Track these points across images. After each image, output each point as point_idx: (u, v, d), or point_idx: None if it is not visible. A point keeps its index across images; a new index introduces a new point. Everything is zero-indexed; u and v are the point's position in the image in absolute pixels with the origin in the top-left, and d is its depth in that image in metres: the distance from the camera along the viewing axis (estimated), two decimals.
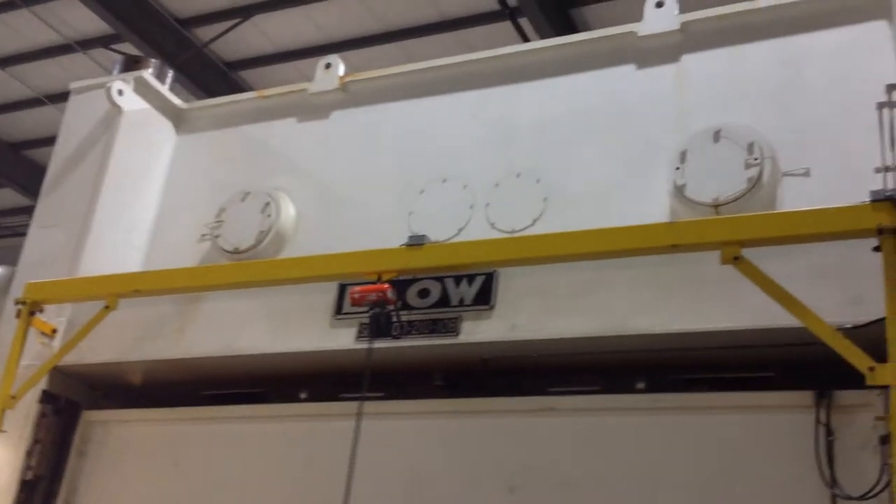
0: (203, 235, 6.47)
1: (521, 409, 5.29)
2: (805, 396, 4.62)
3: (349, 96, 6.65)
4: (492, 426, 5.28)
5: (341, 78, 6.68)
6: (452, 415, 5.43)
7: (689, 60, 5.71)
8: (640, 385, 5.28)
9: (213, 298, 6.08)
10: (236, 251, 6.21)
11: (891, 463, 3.96)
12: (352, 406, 4.85)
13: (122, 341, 6.20)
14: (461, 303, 5.41)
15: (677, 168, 5.24)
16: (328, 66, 6.77)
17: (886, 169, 4.59)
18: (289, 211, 6.30)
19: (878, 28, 5.20)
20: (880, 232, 4.15)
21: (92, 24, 12.97)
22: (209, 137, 7.13)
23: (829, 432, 4.46)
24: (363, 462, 4.87)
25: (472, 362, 5.51)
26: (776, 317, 4.42)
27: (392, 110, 6.46)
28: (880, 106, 4.68)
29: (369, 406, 5.01)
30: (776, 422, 4.68)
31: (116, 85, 6.91)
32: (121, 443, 6.28)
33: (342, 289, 5.62)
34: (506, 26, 11.69)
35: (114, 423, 6.38)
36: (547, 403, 5.23)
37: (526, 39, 11.40)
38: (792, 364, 4.94)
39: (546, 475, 5.03)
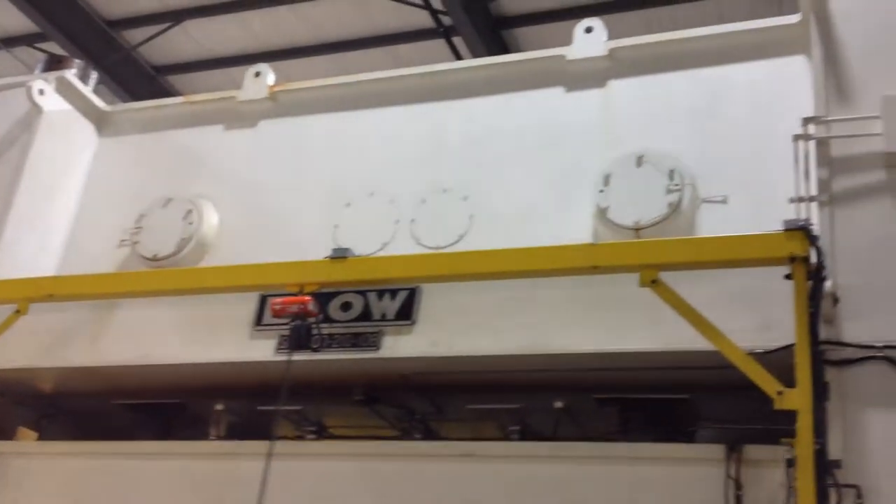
0: (122, 241, 6.34)
1: (440, 453, 5.29)
2: (716, 450, 4.71)
3: (278, 106, 6.60)
4: (409, 470, 5.25)
5: (271, 87, 6.63)
6: (369, 457, 5.40)
7: (616, 86, 5.82)
8: (558, 404, 5.35)
9: (129, 306, 5.96)
10: (155, 258, 6.10)
11: (795, 486, 4.05)
12: (262, 445, 4.74)
13: (33, 347, 6.03)
14: (383, 317, 5.40)
15: (601, 191, 5.33)
16: (258, 74, 6.72)
17: (800, 199, 4.73)
18: (211, 219, 6.22)
19: (797, 62, 5.37)
20: (792, 260, 4.26)
21: (18, 21, 12.64)
22: (132, 141, 6.99)
23: (738, 486, 4.57)
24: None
25: (393, 377, 5.50)
26: (691, 340, 4.50)
27: (321, 122, 6.44)
28: (796, 138, 4.83)
29: (281, 446, 4.92)
30: (688, 474, 4.74)
31: (37, 84, 6.75)
32: (19, 476, 6.01)
33: (263, 300, 5.58)
34: (439, 44, 11.76)
35: (11, 455, 6.14)
36: (466, 449, 5.24)
37: (459, 58, 11.48)
38: (706, 387, 5.06)
39: None
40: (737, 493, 4.55)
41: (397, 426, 5.89)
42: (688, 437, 5.20)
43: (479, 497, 5.03)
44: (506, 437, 5.45)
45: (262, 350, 5.51)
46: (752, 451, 4.63)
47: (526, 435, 5.45)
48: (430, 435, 5.79)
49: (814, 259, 4.27)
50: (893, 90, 4.83)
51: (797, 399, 4.06)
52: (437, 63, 6.73)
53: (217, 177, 6.46)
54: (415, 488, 5.17)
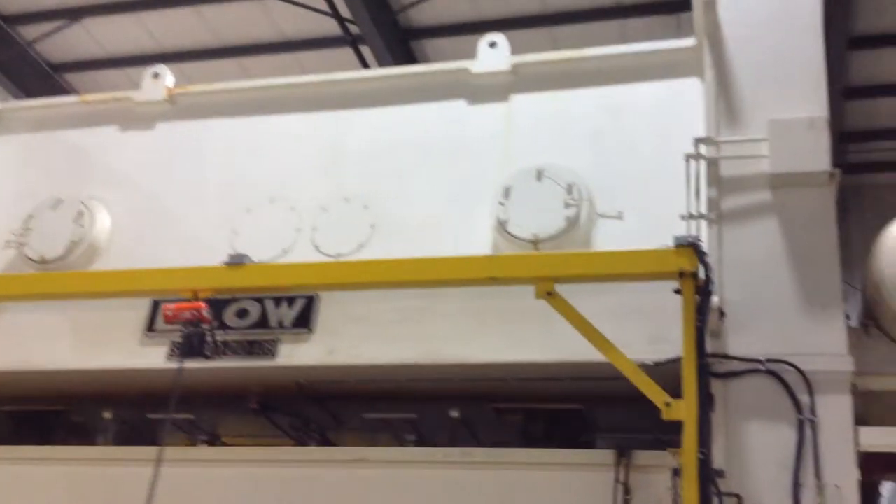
0: (7, 242, 6.09)
1: (334, 459, 5.25)
2: (606, 455, 4.81)
3: (177, 108, 6.47)
4: (302, 476, 5.20)
5: (169, 89, 6.50)
6: (260, 463, 5.31)
7: (518, 100, 5.90)
8: (454, 413, 5.38)
9: (13, 309, 5.74)
10: (43, 261, 5.89)
11: (679, 494, 4.16)
12: (151, 451, 4.62)
13: None
14: (280, 325, 5.34)
15: (501, 203, 5.39)
16: (156, 75, 6.57)
17: (691, 216, 4.89)
18: (104, 221, 6.04)
19: (691, 84, 5.54)
20: (681, 275, 4.39)
21: None
22: (23, 140, 6.75)
23: (627, 491, 4.68)
24: None
25: (289, 386, 5.44)
26: (584, 352, 4.57)
27: (221, 126, 6.34)
28: (688, 157, 4.99)
29: (171, 452, 4.80)
30: (580, 479, 4.82)
31: None
32: None
33: (156, 305, 5.44)
34: (347, 52, 11.70)
35: None
36: (360, 454, 5.22)
37: (366, 67, 11.45)
38: (600, 397, 5.16)
39: None
40: (625, 498, 4.65)
41: (293, 435, 5.83)
42: (584, 446, 5.27)
43: (372, 500, 5.00)
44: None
45: (153, 357, 5.38)
46: (641, 457, 4.74)
47: (422, 445, 5.45)
48: (326, 444, 5.74)
49: (702, 274, 4.41)
50: (780, 114, 5.04)
51: (683, 410, 4.18)
52: (343, 71, 6.70)
53: (111, 178, 6.28)
54: (308, 494, 5.12)
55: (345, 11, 10.96)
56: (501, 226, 5.33)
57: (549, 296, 4.53)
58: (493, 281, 4.67)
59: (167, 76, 6.54)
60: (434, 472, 5.04)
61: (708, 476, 4.20)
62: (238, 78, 10.99)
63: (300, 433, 5.80)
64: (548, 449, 5.06)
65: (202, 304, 4.63)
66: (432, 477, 5.02)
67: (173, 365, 4.96)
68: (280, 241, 5.67)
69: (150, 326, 5.46)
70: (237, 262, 4.83)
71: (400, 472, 5.09)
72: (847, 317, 4.76)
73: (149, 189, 6.19)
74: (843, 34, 9.42)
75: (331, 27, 11.52)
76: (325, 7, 11.02)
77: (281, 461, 5.27)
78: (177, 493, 5.11)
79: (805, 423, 4.42)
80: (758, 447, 4.44)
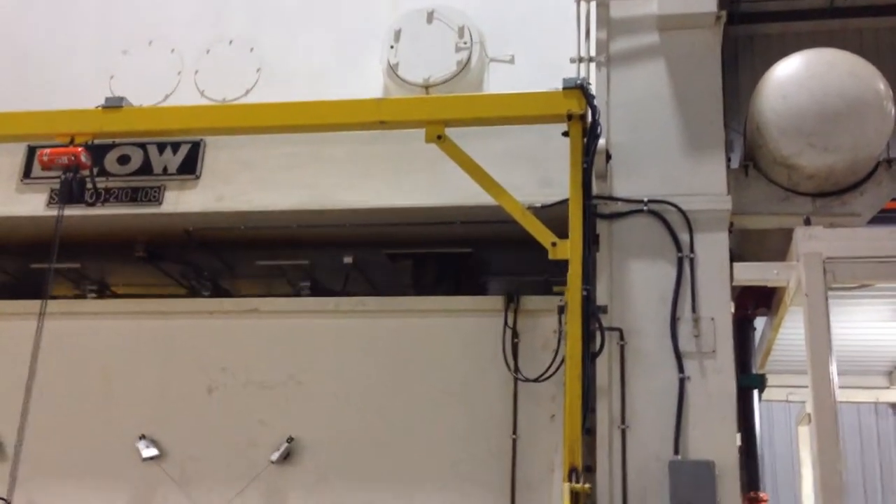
0: None
1: (224, 309, 5.23)
2: (496, 301, 4.93)
3: None
4: (192, 327, 5.18)
5: None
6: (152, 315, 5.26)
7: None
8: (348, 259, 5.40)
9: None
10: None
11: (564, 330, 4.32)
12: (35, 304, 4.49)
13: None
14: (165, 171, 5.20)
15: (391, 47, 5.27)
16: None
17: (580, 59, 4.89)
18: None
19: None
20: (569, 118, 4.41)
21: None
22: None
23: (516, 334, 4.83)
24: (49, 363, 4.62)
25: (176, 233, 5.35)
26: (474, 195, 4.63)
27: None
28: (578, 0, 4.94)
29: (57, 305, 4.75)
30: (470, 324, 4.94)
31: None
32: None
33: (31, 151, 5.23)
34: None
35: None
36: (251, 305, 5.21)
37: None
38: (490, 241, 5.25)
39: (245, 376, 5.03)
40: (514, 341, 4.82)
41: (185, 284, 5.78)
42: (477, 290, 5.39)
43: (265, 353, 5.05)
44: (297, 294, 5.47)
45: (32, 204, 5.21)
46: (529, 301, 4.90)
47: (316, 291, 5.49)
48: (219, 292, 5.72)
49: (590, 117, 4.44)
50: None
51: (569, 249, 4.28)
52: None
53: None
54: (200, 345, 5.13)
55: None
56: (392, 70, 5.23)
57: (439, 139, 4.51)
58: (383, 125, 4.62)
59: None
60: (327, 321, 5.09)
61: (591, 312, 4.38)
62: None
63: (192, 282, 5.76)
64: (438, 296, 5.16)
65: (79, 149, 4.46)
66: (326, 326, 5.07)
67: (53, 212, 4.81)
68: (161, 86, 5.47)
69: (27, 173, 5.25)
70: (114, 104, 4.63)
71: (293, 321, 5.12)
72: (728, 159, 4.89)
73: (18, 31, 5.85)
74: None
75: None
76: None
77: (172, 313, 5.24)
78: (65, 346, 5.09)
79: (684, 260, 4.59)
80: (639, 284, 4.61)
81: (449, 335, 4.95)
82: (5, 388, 4.84)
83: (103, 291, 5.73)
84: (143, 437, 4.93)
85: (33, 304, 4.52)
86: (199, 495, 4.82)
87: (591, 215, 4.50)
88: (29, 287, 5.43)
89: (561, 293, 4.50)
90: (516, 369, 4.74)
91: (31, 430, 4.30)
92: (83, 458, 5.00)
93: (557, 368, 4.53)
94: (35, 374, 4.24)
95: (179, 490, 4.85)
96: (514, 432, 4.68)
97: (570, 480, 3.84)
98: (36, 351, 4.27)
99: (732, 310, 4.61)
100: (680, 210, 4.65)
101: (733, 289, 4.66)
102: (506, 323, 4.85)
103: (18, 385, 4.26)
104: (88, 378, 5.14)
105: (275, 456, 4.78)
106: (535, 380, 4.60)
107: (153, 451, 4.90)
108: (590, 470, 4.31)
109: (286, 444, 4.80)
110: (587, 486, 3.88)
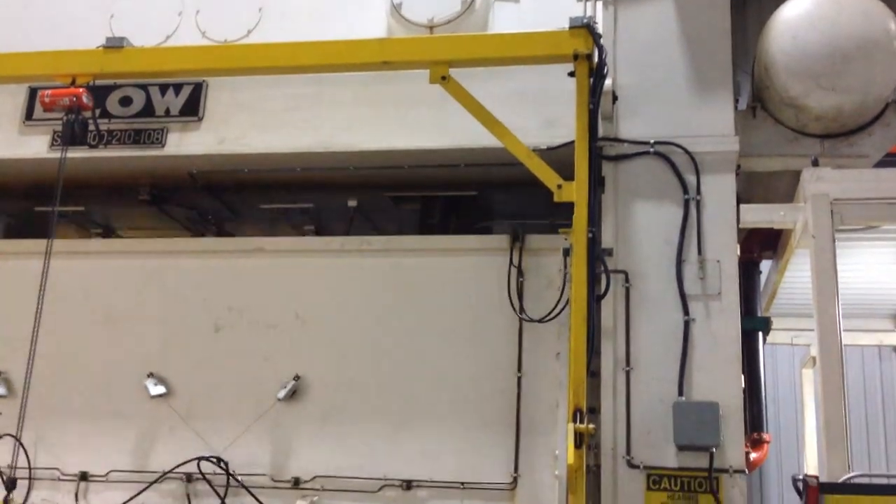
0: None
1: (229, 249, 5.23)
2: (501, 240, 4.92)
3: None
4: (198, 267, 5.18)
5: None
6: (157, 255, 5.25)
7: None
8: (352, 202, 5.39)
9: None
10: None
11: (569, 272, 4.31)
12: (41, 244, 4.50)
13: None
14: (167, 113, 5.16)
15: None
16: None
17: None
18: None
19: None
20: (575, 57, 4.34)
21: None
22: None
23: (521, 273, 4.82)
24: (56, 303, 4.67)
25: (180, 176, 5.33)
26: (479, 137, 4.59)
27: None
28: None
29: (63, 245, 4.72)
30: (476, 263, 4.93)
31: None
32: None
33: (33, 93, 5.18)
34: None
35: None
36: (255, 244, 5.19)
37: None
38: (495, 184, 5.22)
39: (251, 315, 5.04)
40: (519, 280, 4.81)
41: (189, 228, 5.78)
42: (481, 233, 5.37)
43: (271, 292, 5.06)
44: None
45: (35, 146, 5.18)
46: (534, 240, 4.88)
47: (321, 235, 5.48)
48: (223, 236, 5.72)
49: (596, 57, 4.38)
50: None
51: (574, 192, 4.25)
52: None
53: None
54: (205, 285, 5.14)
55: None
56: (395, 9, 5.16)
57: (444, 80, 4.45)
58: (387, 65, 4.55)
59: None
60: (332, 260, 5.08)
61: (596, 254, 4.37)
62: None
63: (197, 225, 5.76)
64: (443, 235, 5.15)
65: (81, 90, 4.41)
66: (330, 265, 5.07)
67: (56, 154, 4.78)
68: (162, 26, 5.40)
69: (29, 115, 5.22)
70: (115, 45, 4.57)
71: (297, 260, 5.12)
72: (736, 100, 4.84)
73: None
74: None
75: None
76: None
77: (177, 252, 5.24)
78: (72, 286, 5.11)
79: (690, 203, 4.56)
80: (645, 226, 4.59)
81: (454, 274, 4.95)
82: (13, 327, 4.88)
83: (108, 235, 5.74)
84: (151, 375, 4.97)
85: (39, 244, 4.56)
86: (207, 432, 4.87)
87: (596, 157, 4.47)
88: (34, 230, 5.43)
89: (566, 233, 4.48)
90: (521, 310, 4.74)
91: (39, 369, 4.34)
92: (91, 396, 5.05)
93: (562, 309, 4.54)
94: (41, 313, 4.26)
95: (187, 427, 4.90)
96: (519, 370, 4.71)
97: (574, 421, 3.86)
98: (42, 291, 4.29)
99: (738, 252, 4.59)
100: (687, 151, 4.60)
101: (739, 233, 4.64)
102: (511, 262, 4.85)
103: (25, 324, 4.29)
104: (95, 317, 5.16)
105: (282, 393, 4.83)
106: (540, 320, 4.61)
107: (161, 389, 4.95)
108: (594, 411, 4.34)
109: (293, 382, 4.85)
110: (591, 426, 3.90)
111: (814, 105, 4.62)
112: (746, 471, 4.27)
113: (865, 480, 4.06)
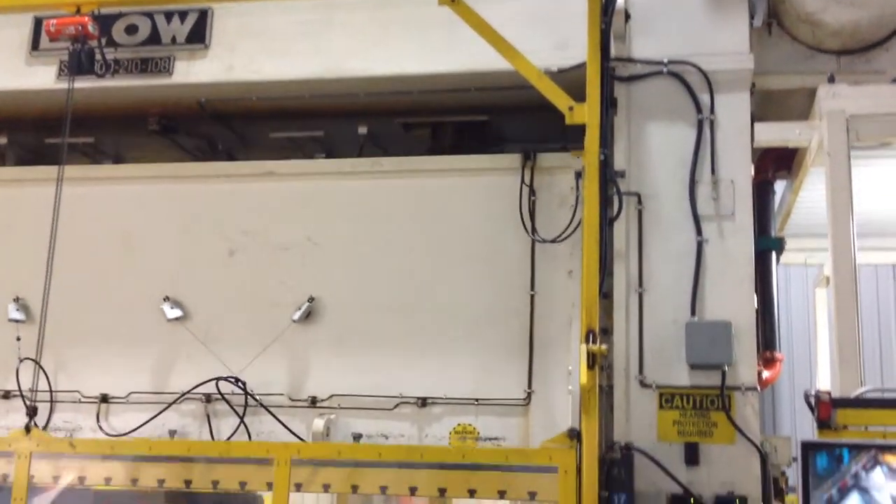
0: None
1: (241, 173, 5.22)
2: (513, 159, 4.88)
3: None
4: (211, 191, 5.18)
5: None
6: (170, 179, 5.26)
7: None
8: (362, 129, 5.34)
9: None
10: None
11: (582, 195, 4.29)
12: (52, 171, 4.53)
13: None
14: (174, 41, 5.10)
15: None
16: None
17: None
18: None
19: None
20: None
21: None
22: None
23: (533, 192, 4.80)
24: (70, 229, 4.68)
25: (189, 105, 5.29)
26: (489, 61, 4.51)
27: None
28: None
29: (74, 171, 4.71)
30: (488, 182, 4.92)
31: None
32: None
33: (38, 23, 5.13)
34: None
35: None
36: (267, 168, 5.18)
37: None
38: (506, 108, 5.16)
39: (264, 238, 5.06)
40: (531, 199, 4.81)
41: (199, 157, 5.76)
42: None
43: (283, 215, 5.07)
44: None
45: (42, 77, 5.15)
46: (546, 159, 4.86)
47: None
48: None
49: None
50: None
51: (586, 113, 4.20)
52: None
53: None
54: (218, 208, 5.16)
55: None
56: None
57: (453, 2, 4.38)
58: None
59: None
60: (343, 182, 5.08)
61: (609, 176, 4.34)
62: None
63: (207, 154, 5.74)
64: (455, 156, 5.10)
65: (86, 18, 4.37)
66: (342, 188, 5.07)
67: (63, 84, 4.75)
68: None
69: (35, 45, 5.18)
70: None
71: (309, 183, 5.12)
72: (751, 17, 4.74)
73: None
74: None
75: None
76: None
77: (189, 177, 5.25)
78: (86, 212, 5.12)
79: (704, 122, 4.51)
80: (657, 147, 4.55)
81: (466, 194, 4.94)
82: (28, 254, 4.92)
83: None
84: (167, 298, 5.02)
85: (51, 170, 4.58)
86: (224, 354, 4.94)
87: (609, 78, 4.42)
88: (46, 162, 5.43)
89: (578, 154, 4.45)
90: (533, 230, 4.74)
91: (56, 295, 4.39)
92: (108, 321, 5.12)
93: (574, 230, 4.53)
94: (56, 238, 4.29)
95: (205, 349, 4.97)
96: (532, 288, 4.73)
97: (587, 342, 3.89)
98: (56, 217, 4.32)
99: (752, 172, 4.56)
100: (700, 70, 4.54)
101: (753, 152, 4.60)
102: (522, 180, 4.83)
103: (41, 251, 4.34)
104: (110, 242, 5.20)
105: (296, 315, 4.88)
106: (553, 240, 4.62)
107: (178, 312, 5.01)
108: (606, 332, 4.36)
109: (307, 304, 4.89)
110: (604, 346, 3.92)
111: (830, 20, 4.54)
112: (759, 388, 4.30)
113: (878, 395, 4.08)
